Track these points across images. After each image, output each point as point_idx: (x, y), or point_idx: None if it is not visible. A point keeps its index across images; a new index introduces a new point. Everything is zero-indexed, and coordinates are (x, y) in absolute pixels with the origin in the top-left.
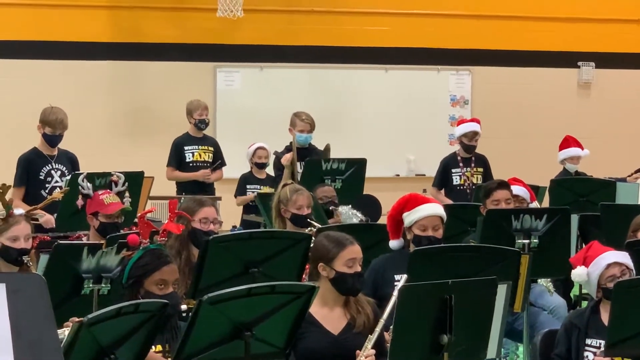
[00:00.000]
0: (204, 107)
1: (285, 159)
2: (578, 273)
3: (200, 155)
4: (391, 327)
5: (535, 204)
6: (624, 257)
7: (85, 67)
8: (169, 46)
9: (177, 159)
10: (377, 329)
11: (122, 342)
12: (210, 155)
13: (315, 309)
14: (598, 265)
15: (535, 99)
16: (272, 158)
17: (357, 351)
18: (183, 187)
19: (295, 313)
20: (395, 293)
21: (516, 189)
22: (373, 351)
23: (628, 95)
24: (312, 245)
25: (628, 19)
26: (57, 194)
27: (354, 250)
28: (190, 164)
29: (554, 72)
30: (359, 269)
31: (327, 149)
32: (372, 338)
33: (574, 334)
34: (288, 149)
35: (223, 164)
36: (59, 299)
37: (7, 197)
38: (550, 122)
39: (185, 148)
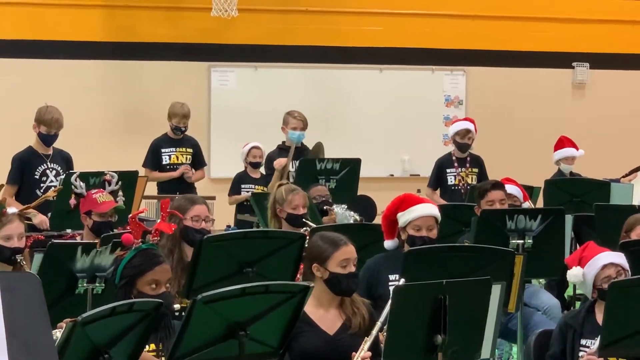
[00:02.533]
0: (182, 115)
1: (279, 163)
2: (574, 274)
3: (177, 158)
4: (385, 327)
5: (528, 204)
6: (619, 257)
7: (79, 66)
8: (163, 46)
9: (153, 161)
10: (374, 332)
11: (116, 341)
12: (189, 157)
13: (311, 309)
14: (593, 266)
15: (529, 99)
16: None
17: (353, 353)
18: (163, 187)
19: (290, 313)
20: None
21: (509, 188)
22: (369, 353)
23: (622, 95)
24: (306, 245)
25: (622, 19)
26: (50, 193)
27: (348, 251)
28: (167, 167)
29: (548, 72)
30: (353, 269)
31: (320, 147)
32: (369, 340)
33: (569, 334)
34: (280, 147)
35: (204, 164)
36: (53, 298)
37: (0, 196)
38: (544, 123)
39: (163, 150)
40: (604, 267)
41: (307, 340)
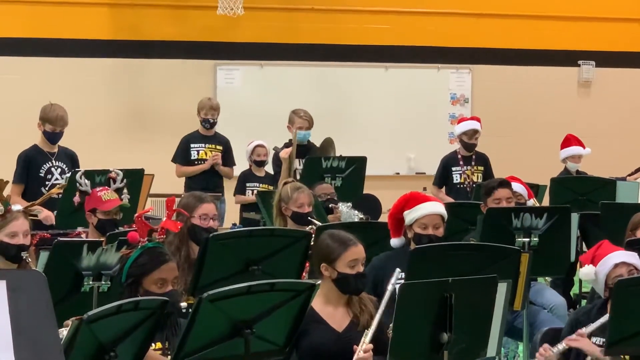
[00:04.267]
0: (209, 107)
1: (284, 152)
2: (585, 272)
3: (206, 154)
4: (391, 324)
5: (532, 202)
6: (632, 257)
7: (85, 64)
8: (169, 44)
9: (183, 156)
10: (374, 325)
11: (122, 339)
12: (218, 154)
13: (319, 307)
14: (605, 265)
15: (535, 97)
16: (271, 155)
17: (355, 346)
18: (192, 183)
19: (295, 311)
20: (389, 287)
21: (514, 186)
22: (371, 345)
23: (628, 94)
24: (315, 244)
25: (629, 17)
26: (55, 190)
27: (356, 251)
28: (196, 162)
29: (554, 70)
30: (361, 269)
31: (329, 143)
32: (369, 333)
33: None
34: (288, 145)
35: (232, 164)
36: (59, 296)
37: (5, 193)
38: (550, 121)
39: (192, 145)
40: (616, 266)
41: (315, 336)
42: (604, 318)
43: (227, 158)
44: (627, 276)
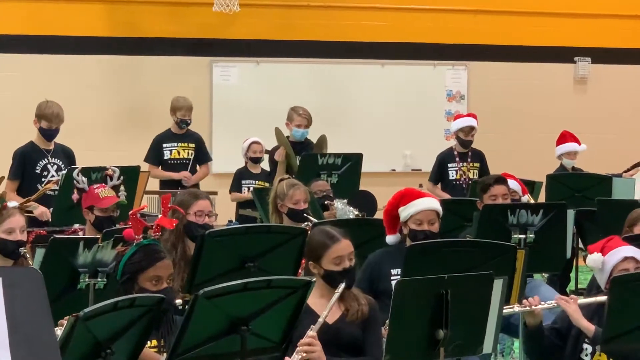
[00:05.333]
0: (187, 107)
1: (279, 154)
2: (593, 258)
3: (178, 153)
4: (387, 321)
5: (526, 198)
6: None
7: (81, 61)
8: (165, 41)
9: (155, 157)
10: (321, 319)
11: (118, 337)
12: (191, 152)
13: (314, 300)
14: (614, 256)
15: (531, 94)
16: (267, 155)
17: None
18: (166, 185)
19: (292, 308)
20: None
21: (508, 183)
22: (313, 333)
23: (624, 90)
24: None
25: (624, 14)
26: (49, 186)
27: (340, 248)
28: (169, 162)
29: (550, 67)
30: (347, 265)
31: (323, 140)
32: (315, 327)
33: None
34: (277, 147)
35: (208, 159)
36: (55, 294)
37: (0, 189)
38: (546, 118)
39: (164, 145)
40: (625, 259)
41: (305, 327)
42: (602, 297)
43: (202, 155)
44: (633, 272)
